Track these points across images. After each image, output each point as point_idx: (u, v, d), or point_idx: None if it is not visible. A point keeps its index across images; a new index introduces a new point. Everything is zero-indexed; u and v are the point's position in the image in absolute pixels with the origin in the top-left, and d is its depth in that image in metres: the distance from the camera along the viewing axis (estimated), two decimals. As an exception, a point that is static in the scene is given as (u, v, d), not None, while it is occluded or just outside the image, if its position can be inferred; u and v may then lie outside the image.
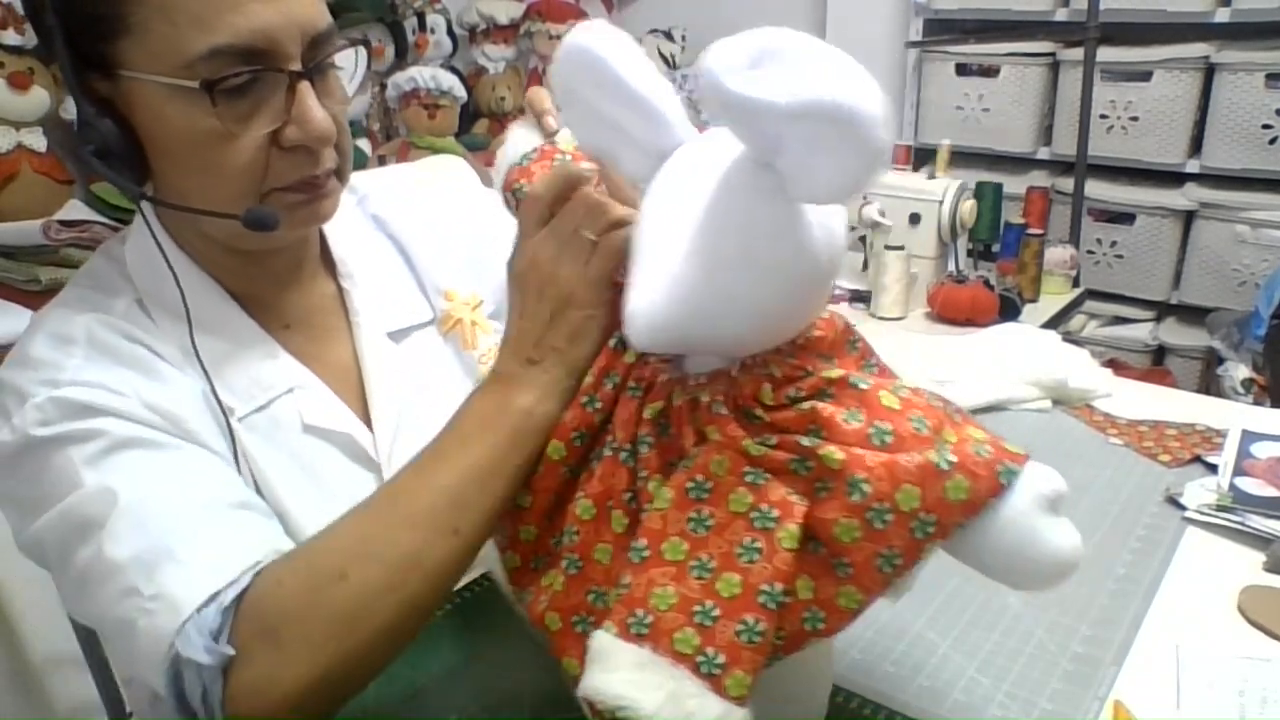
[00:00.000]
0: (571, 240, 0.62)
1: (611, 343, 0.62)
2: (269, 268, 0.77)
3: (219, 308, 0.74)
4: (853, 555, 0.52)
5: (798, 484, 0.53)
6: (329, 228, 0.82)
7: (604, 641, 0.52)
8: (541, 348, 0.62)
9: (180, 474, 0.65)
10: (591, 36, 0.57)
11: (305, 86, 0.66)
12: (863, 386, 0.55)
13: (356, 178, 0.88)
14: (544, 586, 0.60)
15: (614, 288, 0.62)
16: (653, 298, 0.52)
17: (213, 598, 0.58)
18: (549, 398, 0.62)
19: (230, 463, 0.70)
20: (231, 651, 0.57)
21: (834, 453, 0.52)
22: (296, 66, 0.66)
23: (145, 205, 0.71)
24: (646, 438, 0.58)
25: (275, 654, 0.57)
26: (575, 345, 0.62)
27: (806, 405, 0.54)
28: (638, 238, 0.56)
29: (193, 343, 0.70)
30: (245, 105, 0.65)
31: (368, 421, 0.78)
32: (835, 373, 0.55)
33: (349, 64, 0.74)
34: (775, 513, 0.53)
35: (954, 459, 0.52)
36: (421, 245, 0.87)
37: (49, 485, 0.64)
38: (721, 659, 0.50)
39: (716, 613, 0.51)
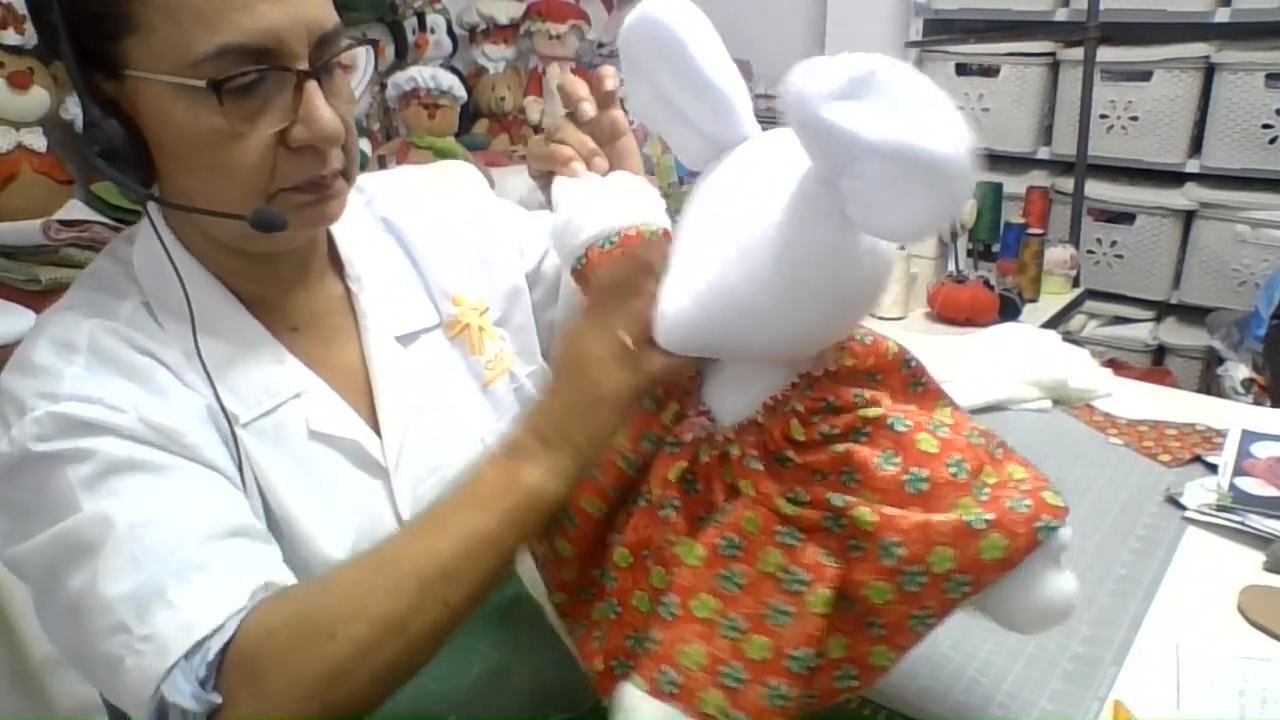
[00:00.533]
0: (617, 343, 0.61)
1: (646, 404, 0.63)
2: (276, 270, 0.76)
3: (225, 311, 0.74)
4: (885, 616, 0.53)
5: (830, 542, 0.53)
6: (337, 228, 0.81)
7: (633, 697, 0.53)
8: (560, 432, 0.62)
9: (177, 501, 0.64)
10: (667, 8, 0.55)
11: (313, 86, 0.65)
12: (899, 429, 0.54)
13: (365, 179, 0.88)
14: (595, 621, 0.61)
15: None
16: (684, 304, 0.52)
17: (200, 644, 0.59)
18: (556, 479, 0.61)
19: (232, 475, 0.69)
20: (218, 699, 0.58)
21: (866, 515, 0.51)
22: (304, 66, 0.65)
23: (152, 206, 0.70)
24: (673, 500, 0.58)
25: (258, 703, 0.58)
26: (591, 443, 0.62)
27: (841, 447, 0.54)
28: (682, 230, 0.55)
29: (196, 347, 0.69)
30: (252, 105, 0.64)
31: (375, 426, 0.78)
32: (873, 411, 0.54)
33: (356, 64, 0.73)
34: (807, 576, 0.52)
35: (990, 517, 0.51)
36: (429, 248, 0.87)
37: (44, 505, 0.64)
38: None
39: (744, 675, 0.51)
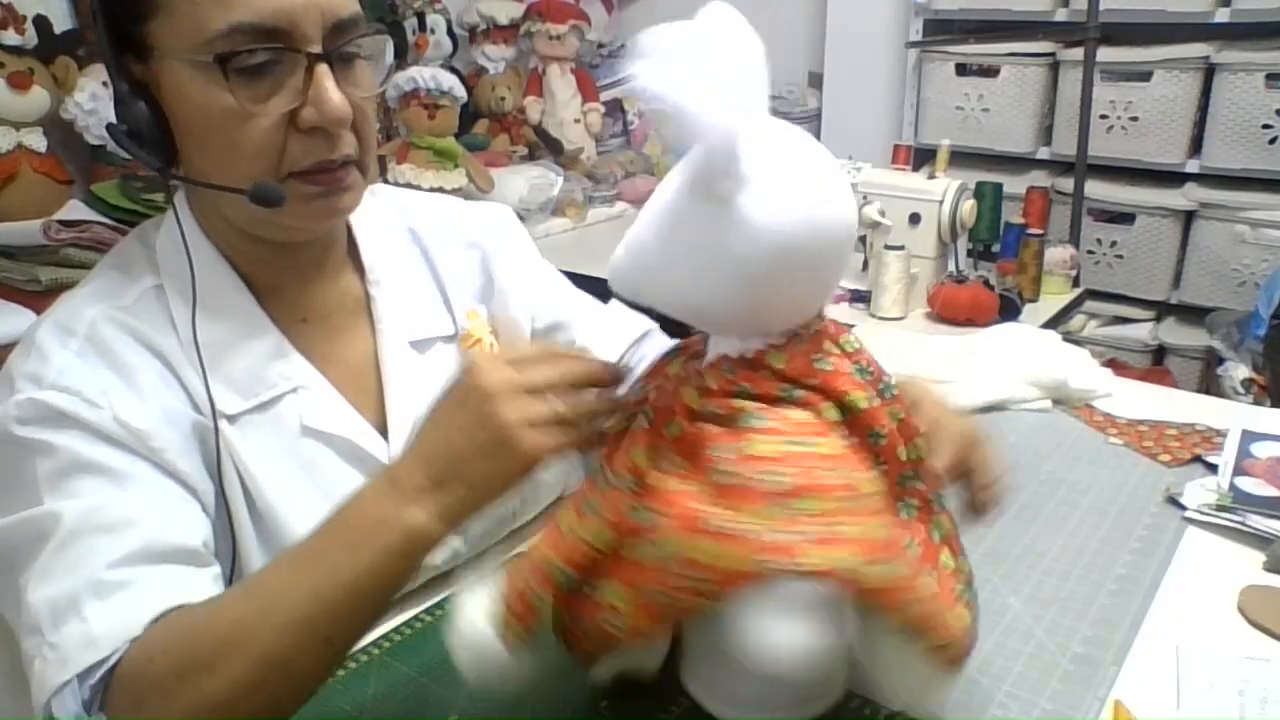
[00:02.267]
0: (540, 397, 0.59)
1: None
2: (293, 259, 0.76)
3: (232, 297, 0.74)
4: (645, 577, 0.56)
5: (632, 499, 0.57)
6: (361, 231, 0.82)
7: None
8: (455, 473, 0.59)
9: (125, 513, 0.64)
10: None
11: (323, 69, 0.66)
12: (755, 424, 0.55)
13: (406, 196, 0.89)
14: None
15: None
16: (619, 252, 0.58)
17: (95, 666, 0.59)
18: (441, 522, 0.59)
19: (196, 484, 0.69)
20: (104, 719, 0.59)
21: (660, 482, 0.55)
22: (316, 49, 0.66)
23: (181, 192, 0.73)
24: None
25: None
26: (488, 488, 0.59)
27: (695, 427, 0.56)
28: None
29: (194, 331, 0.70)
30: (264, 85, 0.66)
31: (381, 427, 0.77)
32: (751, 405, 0.56)
33: (379, 57, 0.74)
34: (601, 508, 0.58)
35: (754, 530, 0.52)
36: (452, 264, 0.87)
37: (14, 488, 0.65)
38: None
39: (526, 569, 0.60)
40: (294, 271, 0.77)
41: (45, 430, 0.65)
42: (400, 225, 0.87)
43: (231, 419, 0.71)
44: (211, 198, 0.72)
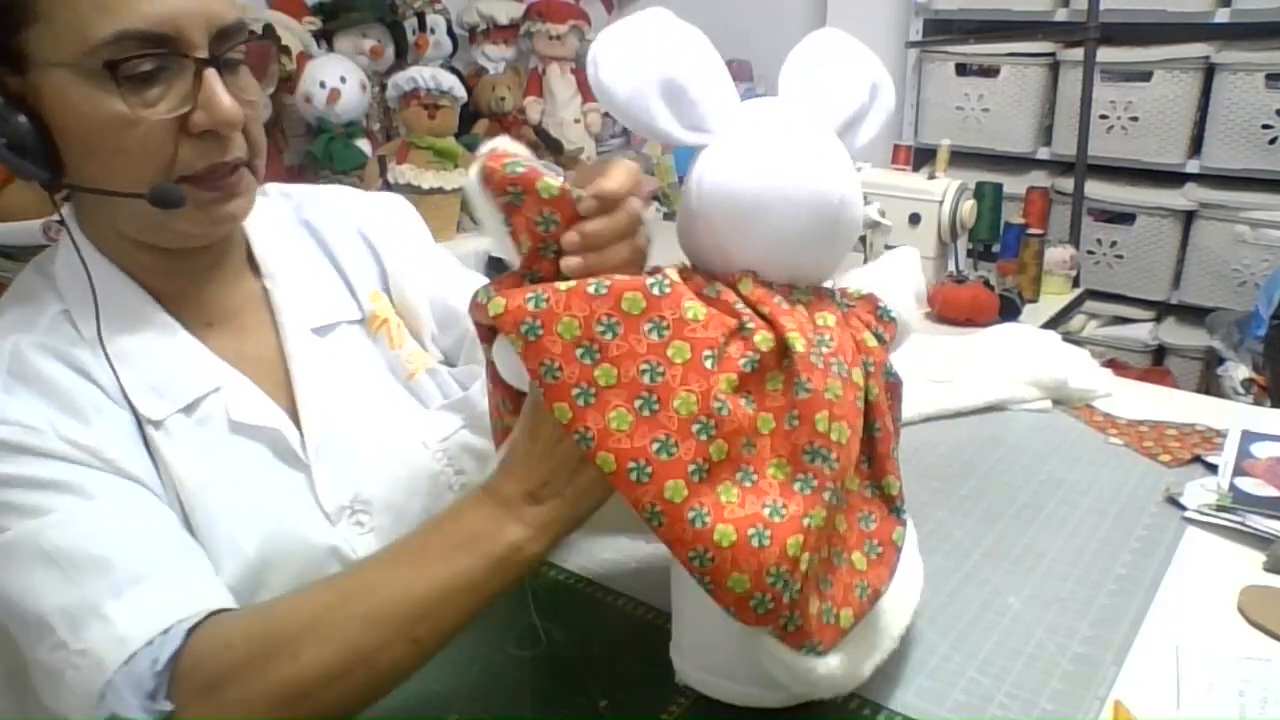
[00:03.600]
0: None
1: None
2: (189, 264, 0.76)
3: (137, 308, 0.74)
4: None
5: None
6: (253, 229, 0.82)
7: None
8: (550, 489, 0.61)
9: (105, 518, 0.65)
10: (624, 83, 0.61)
11: (211, 73, 0.67)
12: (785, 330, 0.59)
13: (296, 189, 0.90)
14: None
15: None
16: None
17: (133, 657, 0.59)
18: (541, 538, 0.61)
19: (155, 486, 0.69)
20: (170, 707, 0.59)
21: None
22: (203, 54, 0.66)
23: (66, 213, 0.72)
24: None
25: (212, 709, 0.59)
26: (582, 500, 0.61)
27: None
28: None
29: (102, 345, 0.69)
30: (152, 91, 0.66)
31: (294, 417, 0.77)
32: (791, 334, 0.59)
33: (267, 66, 0.74)
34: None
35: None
36: (350, 252, 0.87)
37: None
38: None
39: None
40: (193, 276, 0.77)
41: None
42: (293, 219, 0.87)
43: (158, 424, 0.71)
44: (104, 212, 0.71)
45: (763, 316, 0.60)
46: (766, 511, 0.56)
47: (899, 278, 0.73)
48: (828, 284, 0.67)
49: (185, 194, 0.68)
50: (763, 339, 0.58)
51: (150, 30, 0.64)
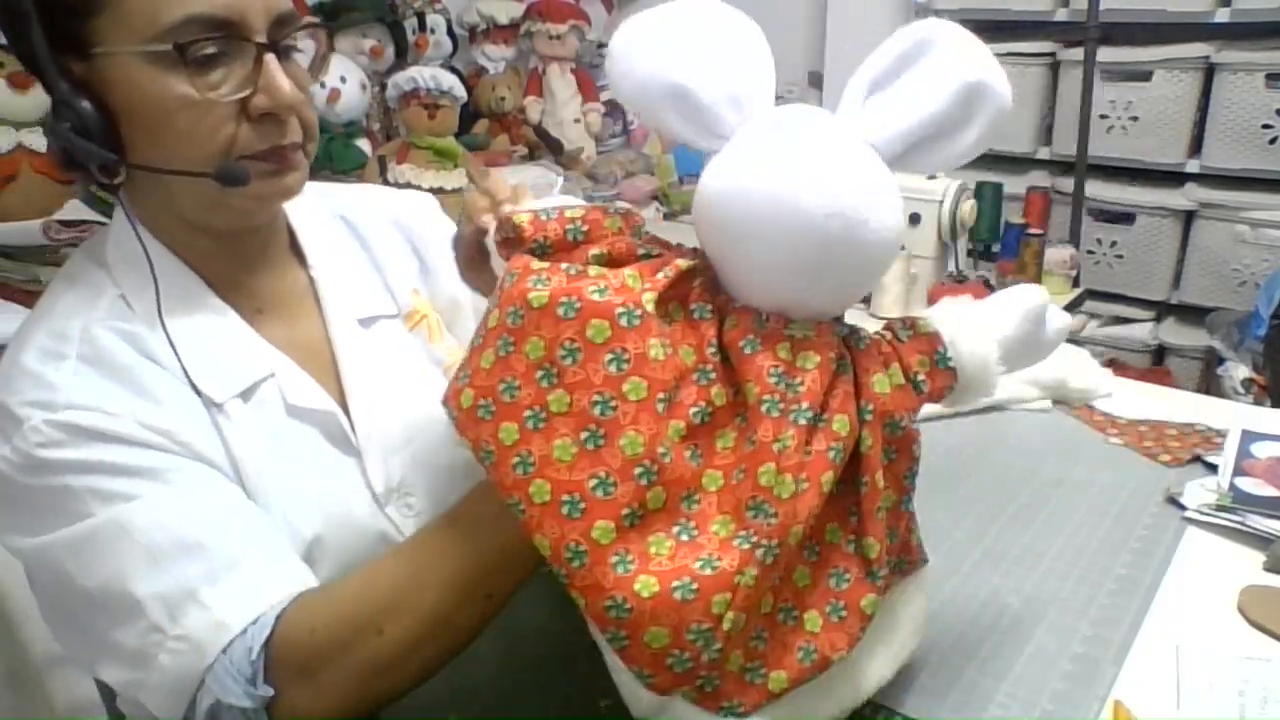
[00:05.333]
0: None
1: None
2: (240, 250, 0.78)
3: (194, 292, 0.75)
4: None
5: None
6: (297, 220, 0.83)
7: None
8: None
9: (188, 503, 0.66)
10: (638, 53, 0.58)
11: (271, 58, 0.69)
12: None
13: (329, 186, 0.91)
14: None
15: None
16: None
17: (233, 642, 0.62)
18: None
19: (226, 468, 0.70)
20: (270, 692, 0.61)
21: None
22: (263, 39, 0.68)
23: (123, 196, 0.73)
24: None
25: (311, 691, 0.62)
26: None
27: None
28: None
29: (165, 330, 0.71)
30: (216, 74, 0.67)
31: (343, 406, 0.78)
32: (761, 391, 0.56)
33: (311, 54, 0.77)
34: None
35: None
36: (388, 249, 0.89)
37: (54, 508, 0.65)
38: None
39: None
40: (244, 262, 0.78)
41: (73, 449, 0.65)
42: (331, 214, 0.88)
43: (220, 407, 0.72)
44: (160, 196, 0.72)
45: (728, 361, 0.57)
46: (697, 565, 0.53)
47: (991, 320, 0.63)
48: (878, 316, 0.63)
49: (248, 170, 0.69)
50: (718, 394, 0.56)
51: (216, 14, 0.66)
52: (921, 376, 0.61)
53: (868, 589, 0.58)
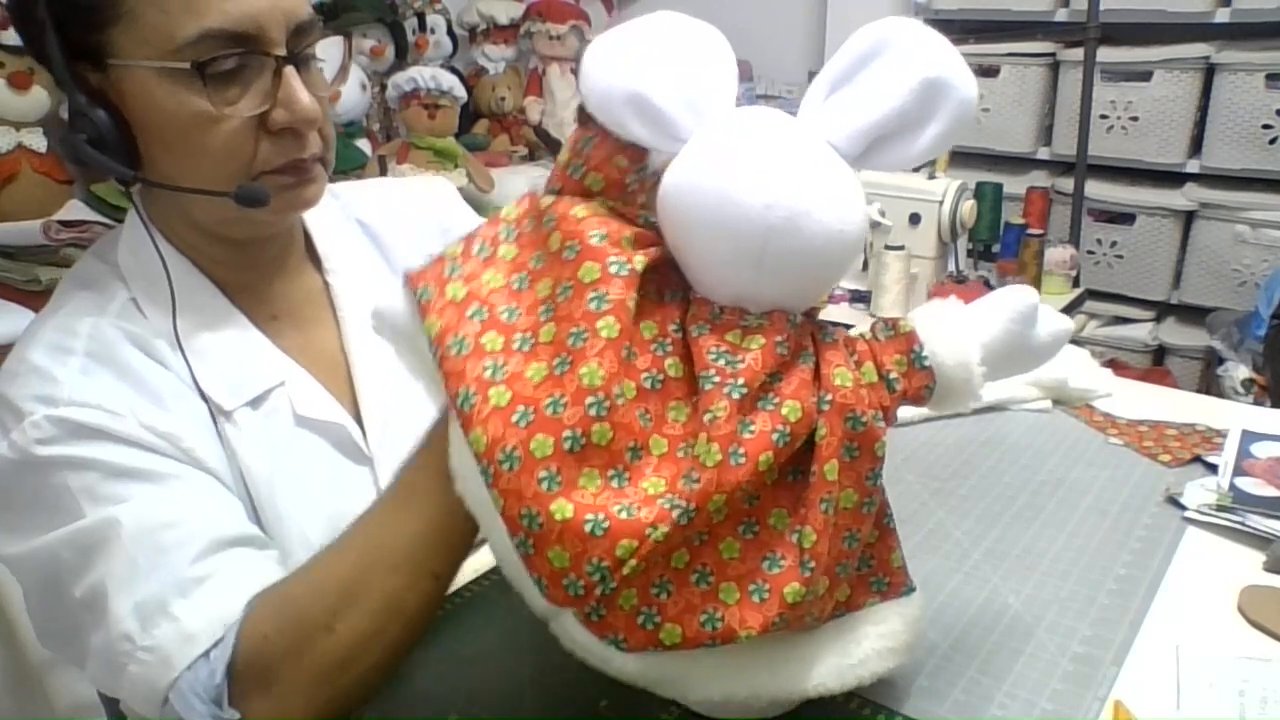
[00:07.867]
0: None
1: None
2: (257, 256, 0.77)
3: (208, 299, 0.75)
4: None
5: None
6: (313, 224, 0.83)
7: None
8: None
9: (178, 510, 0.65)
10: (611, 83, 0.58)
11: (290, 71, 0.68)
12: (707, 386, 0.56)
13: (340, 187, 0.90)
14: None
15: None
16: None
17: (198, 661, 0.60)
18: None
19: (225, 477, 0.70)
20: (237, 715, 0.60)
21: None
22: (281, 52, 0.67)
23: (138, 200, 0.72)
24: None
25: (270, 702, 0.60)
26: None
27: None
28: None
29: (177, 336, 0.70)
30: (234, 89, 0.66)
31: (356, 416, 0.78)
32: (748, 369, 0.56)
33: (330, 57, 0.75)
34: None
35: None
36: (404, 250, 0.88)
37: (45, 508, 0.64)
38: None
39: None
40: (259, 270, 0.78)
41: (71, 446, 0.64)
42: (345, 217, 0.87)
43: (228, 415, 0.71)
44: (177, 204, 0.72)
45: (684, 338, 0.58)
46: (615, 509, 0.54)
47: (973, 320, 0.63)
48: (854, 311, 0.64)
49: (269, 189, 0.68)
50: (672, 365, 0.57)
51: (233, 29, 0.65)
52: (895, 375, 0.61)
53: (795, 578, 0.57)
